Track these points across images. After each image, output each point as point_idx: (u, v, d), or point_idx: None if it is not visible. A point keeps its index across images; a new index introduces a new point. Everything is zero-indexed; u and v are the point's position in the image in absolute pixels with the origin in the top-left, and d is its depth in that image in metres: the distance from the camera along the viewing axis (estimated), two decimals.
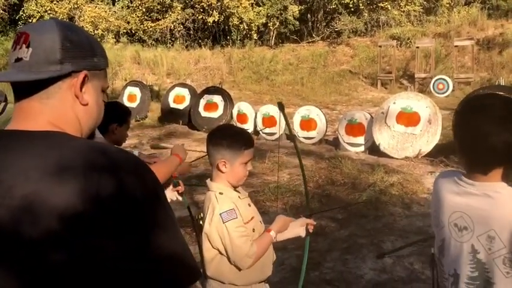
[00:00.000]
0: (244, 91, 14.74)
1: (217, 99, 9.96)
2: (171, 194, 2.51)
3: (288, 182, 6.32)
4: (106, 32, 18.36)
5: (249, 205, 2.11)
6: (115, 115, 2.78)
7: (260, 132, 9.01)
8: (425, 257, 3.95)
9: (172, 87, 11.35)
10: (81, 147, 0.95)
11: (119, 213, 0.89)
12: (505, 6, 16.73)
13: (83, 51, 1.03)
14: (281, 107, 2.61)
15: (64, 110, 1.03)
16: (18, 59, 0.99)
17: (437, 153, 7.04)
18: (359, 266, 3.90)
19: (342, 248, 4.21)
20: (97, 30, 17.78)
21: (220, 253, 1.99)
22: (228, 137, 2.04)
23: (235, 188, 2.10)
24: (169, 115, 10.79)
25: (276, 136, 8.95)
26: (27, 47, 0.99)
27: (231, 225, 1.92)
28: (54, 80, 1.00)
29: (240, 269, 1.98)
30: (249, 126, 9.32)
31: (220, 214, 1.93)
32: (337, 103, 13.14)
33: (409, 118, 7.30)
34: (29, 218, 0.86)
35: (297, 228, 2.31)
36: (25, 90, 1.00)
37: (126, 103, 11.38)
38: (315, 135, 8.54)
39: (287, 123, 2.72)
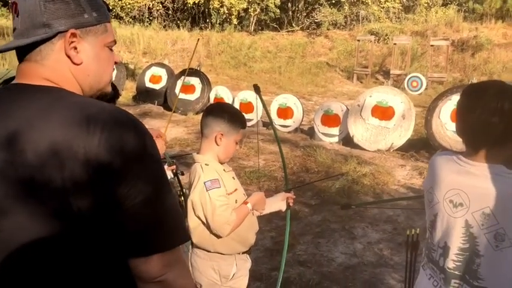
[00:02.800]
0: (221, 76, 14.68)
1: (195, 81, 9.91)
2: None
3: (263, 167, 6.39)
4: None
5: (233, 178, 2.18)
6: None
7: None
8: (394, 244, 4.10)
9: (149, 66, 11.20)
10: (82, 102, 0.99)
11: (126, 167, 0.94)
12: (480, 10, 17.17)
13: (68, 10, 1.02)
14: (257, 89, 2.65)
15: (61, 70, 1.04)
16: (14, 29, 1.04)
17: (409, 148, 7.25)
18: (331, 250, 4.02)
19: (315, 232, 4.33)
20: None
21: (202, 222, 2.05)
22: (230, 112, 2.12)
23: (221, 163, 2.16)
24: (144, 95, 10.67)
25: (253, 122, 9.01)
26: (17, 15, 1.02)
27: (214, 193, 1.99)
28: (43, 42, 1.02)
29: (218, 237, 2.04)
30: None
31: (204, 182, 1.99)
32: (313, 94, 13.26)
33: (383, 112, 7.47)
34: (54, 162, 0.91)
35: (278, 202, 2.40)
36: (22, 55, 1.04)
37: None
38: (291, 124, 8.63)
39: (264, 106, 2.74)
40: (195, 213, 2.06)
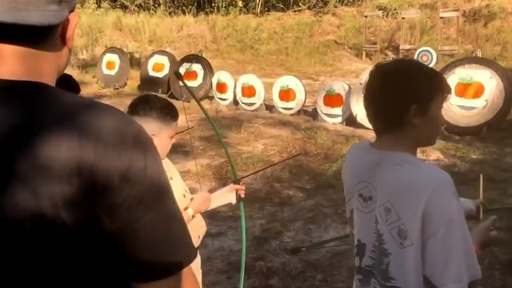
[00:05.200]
0: (227, 60, 14.53)
1: (197, 67, 9.80)
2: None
3: (261, 152, 6.30)
4: None
5: (171, 178, 2.04)
6: (64, 87, 2.70)
7: (239, 101, 8.93)
8: None
9: (152, 54, 11.13)
10: (77, 105, 0.82)
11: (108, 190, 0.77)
12: None
13: None
14: (178, 75, 2.48)
15: (50, 56, 0.87)
16: None
17: None
18: (321, 236, 3.92)
19: (306, 217, 4.23)
20: None
21: None
22: (158, 108, 1.94)
23: None
24: (148, 83, 10.62)
25: (256, 106, 8.89)
26: None
27: None
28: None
29: None
30: (228, 96, 9.23)
31: None
32: (320, 74, 13.03)
33: None
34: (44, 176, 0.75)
35: (226, 194, 2.30)
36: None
37: (105, 70, 11.19)
38: (293, 106, 8.48)
39: (192, 94, 2.38)
40: None
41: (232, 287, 3.17)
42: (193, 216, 2.03)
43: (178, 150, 5.97)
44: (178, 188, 2.06)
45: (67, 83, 3.04)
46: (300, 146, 6.57)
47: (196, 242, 2.13)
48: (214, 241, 3.89)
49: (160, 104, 1.97)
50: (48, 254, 0.80)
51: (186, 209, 2.02)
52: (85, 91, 10.71)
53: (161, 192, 0.85)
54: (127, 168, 0.79)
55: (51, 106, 0.80)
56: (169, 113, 1.96)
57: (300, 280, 3.24)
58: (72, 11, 0.87)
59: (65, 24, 0.86)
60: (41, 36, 0.83)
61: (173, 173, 2.09)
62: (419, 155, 4.95)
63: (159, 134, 1.93)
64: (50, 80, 0.88)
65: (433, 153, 6.01)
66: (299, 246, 3.45)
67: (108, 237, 0.81)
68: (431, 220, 1.23)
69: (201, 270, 2.29)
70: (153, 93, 10.41)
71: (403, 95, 1.31)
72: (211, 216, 4.08)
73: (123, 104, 9.75)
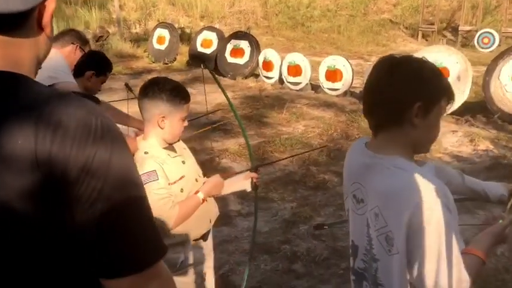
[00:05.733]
0: (277, 37, 14.36)
1: (244, 44, 9.75)
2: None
3: (301, 134, 6.21)
4: None
5: (183, 163, 2.03)
6: (96, 64, 2.77)
7: (285, 80, 8.83)
8: None
9: (201, 30, 11.16)
10: (45, 96, 0.81)
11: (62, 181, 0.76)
12: None
13: None
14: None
15: (27, 44, 0.85)
16: None
17: (464, 112, 6.70)
18: None
19: (338, 203, 4.15)
20: None
21: None
22: (168, 90, 1.92)
23: (171, 144, 2.03)
24: (196, 59, 10.70)
25: (301, 86, 8.76)
26: None
27: (150, 187, 1.82)
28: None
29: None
30: (274, 74, 9.14)
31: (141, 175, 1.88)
32: (372, 54, 12.61)
33: None
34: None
35: (241, 182, 2.27)
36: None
37: (156, 45, 11.37)
38: (340, 87, 8.27)
39: (220, 86, 2.33)
40: None
41: (255, 268, 3.18)
42: (204, 200, 2.02)
43: (219, 128, 6.02)
44: (190, 172, 2.06)
45: (98, 59, 3.07)
46: (342, 129, 6.42)
47: (207, 225, 2.13)
48: (243, 221, 3.91)
49: (170, 86, 1.95)
50: (12, 247, 0.80)
51: (196, 192, 2.01)
52: (135, 65, 10.98)
53: (127, 186, 0.83)
54: (88, 160, 0.77)
55: (19, 97, 0.79)
56: (179, 95, 1.94)
57: (324, 267, 3.20)
58: None
59: (41, 9, 0.84)
60: (16, 24, 0.82)
61: (186, 157, 2.09)
62: (467, 143, 4.59)
63: (170, 117, 1.93)
64: (28, 69, 0.86)
65: (482, 143, 5.71)
66: (322, 223, 3.40)
67: (71, 231, 0.80)
68: (415, 231, 1.16)
69: (213, 254, 2.30)
70: (200, 69, 10.51)
71: (411, 89, 1.22)
72: (242, 196, 4.10)
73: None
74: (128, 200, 0.83)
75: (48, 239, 0.80)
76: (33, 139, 0.75)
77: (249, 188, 2.28)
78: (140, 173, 1.85)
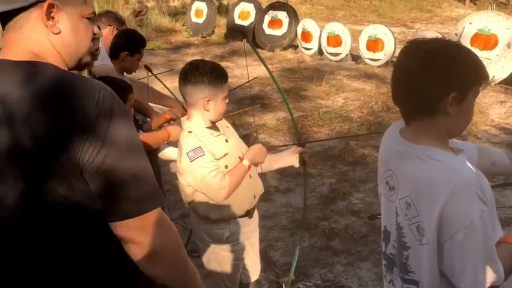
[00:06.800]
0: (316, 6, 13.99)
1: (282, 15, 9.57)
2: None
3: (340, 107, 6.11)
4: None
5: (226, 141, 2.06)
6: (128, 44, 2.79)
7: (324, 51, 8.65)
8: None
9: (238, 2, 11.01)
10: (51, 79, 1.02)
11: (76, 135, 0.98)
12: None
13: None
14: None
15: (38, 39, 1.07)
16: None
17: None
18: None
19: None
20: None
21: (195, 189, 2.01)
22: (208, 73, 1.96)
23: (214, 122, 2.07)
24: (234, 32, 10.62)
25: (342, 56, 8.56)
26: None
27: (199, 162, 1.91)
28: (21, 10, 1.04)
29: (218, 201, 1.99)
30: (313, 46, 8.97)
31: (187, 153, 1.92)
32: (416, 21, 12.12)
33: (485, 41, 6.58)
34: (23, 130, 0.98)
35: (289, 157, 2.26)
36: (4, 23, 1.08)
37: (193, 18, 11.35)
38: (381, 57, 8.03)
39: (260, 58, 2.38)
40: (187, 182, 2.01)
41: (293, 245, 3.21)
42: (249, 167, 2.04)
43: (256, 103, 6.01)
44: (234, 149, 2.09)
45: (129, 38, 3.07)
46: (383, 101, 6.26)
47: (252, 201, 2.15)
48: (282, 197, 3.93)
49: (209, 69, 1.99)
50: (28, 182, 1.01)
51: (242, 160, 2.03)
52: (174, 39, 11.02)
53: (127, 145, 1.02)
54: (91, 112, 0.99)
55: (37, 78, 1.02)
56: (219, 76, 1.99)
57: (362, 244, 3.19)
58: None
59: (41, 13, 1.05)
60: (18, 23, 1.06)
61: (229, 135, 2.12)
62: None
63: (213, 98, 1.98)
64: (50, 56, 1.08)
65: None
66: (376, 213, 3.37)
67: (78, 180, 1.00)
68: (448, 223, 1.14)
69: (258, 228, 2.33)
70: (238, 42, 10.45)
71: (446, 80, 1.17)
72: (281, 172, 4.10)
73: (210, 53, 9.90)
74: (129, 158, 1.02)
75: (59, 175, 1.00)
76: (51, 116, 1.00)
77: (297, 164, 2.28)
78: (186, 151, 1.91)
